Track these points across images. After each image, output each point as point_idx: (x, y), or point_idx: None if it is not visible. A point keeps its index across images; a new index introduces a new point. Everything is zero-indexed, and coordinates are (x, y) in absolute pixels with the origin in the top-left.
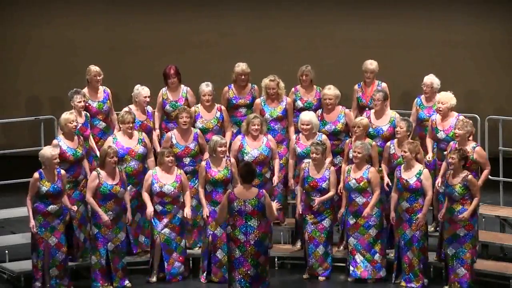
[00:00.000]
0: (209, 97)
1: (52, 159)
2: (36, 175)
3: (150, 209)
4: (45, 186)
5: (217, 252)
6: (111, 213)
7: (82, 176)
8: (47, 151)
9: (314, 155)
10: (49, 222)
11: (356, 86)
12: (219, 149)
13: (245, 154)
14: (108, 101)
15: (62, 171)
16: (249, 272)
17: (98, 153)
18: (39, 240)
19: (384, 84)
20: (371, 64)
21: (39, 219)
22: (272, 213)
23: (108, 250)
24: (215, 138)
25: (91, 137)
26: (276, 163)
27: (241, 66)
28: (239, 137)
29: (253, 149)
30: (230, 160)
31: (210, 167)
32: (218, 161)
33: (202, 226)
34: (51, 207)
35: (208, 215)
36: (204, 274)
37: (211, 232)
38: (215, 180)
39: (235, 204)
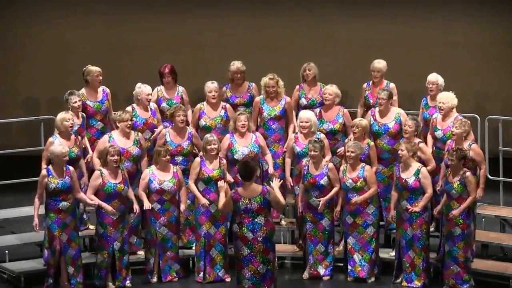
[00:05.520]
0: (215, 93)
1: (61, 156)
2: (44, 172)
3: (147, 203)
4: (53, 183)
5: (211, 251)
6: (116, 212)
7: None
8: (58, 148)
9: (312, 152)
10: (62, 219)
11: (364, 85)
12: (208, 147)
13: (235, 153)
14: (107, 101)
15: (71, 168)
16: (258, 269)
17: (91, 154)
18: (53, 238)
19: (392, 85)
20: (379, 63)
21: (52, 217)
22: (279, 204)
23: (115, 249)
24: (206, 136)
25: (85, 138)
26: (268, 158)
27: (236, 65)
28: (228, 135)
29: (243, 146)
30: (223, 160)
31: (205, 165)
32: (211, 159)
33: (195, 225)
34: (63, 204)
35: (208, 204)
36: (201, 275)
37: (205, 231)
38: (209, 178)
39: (240, 203)
